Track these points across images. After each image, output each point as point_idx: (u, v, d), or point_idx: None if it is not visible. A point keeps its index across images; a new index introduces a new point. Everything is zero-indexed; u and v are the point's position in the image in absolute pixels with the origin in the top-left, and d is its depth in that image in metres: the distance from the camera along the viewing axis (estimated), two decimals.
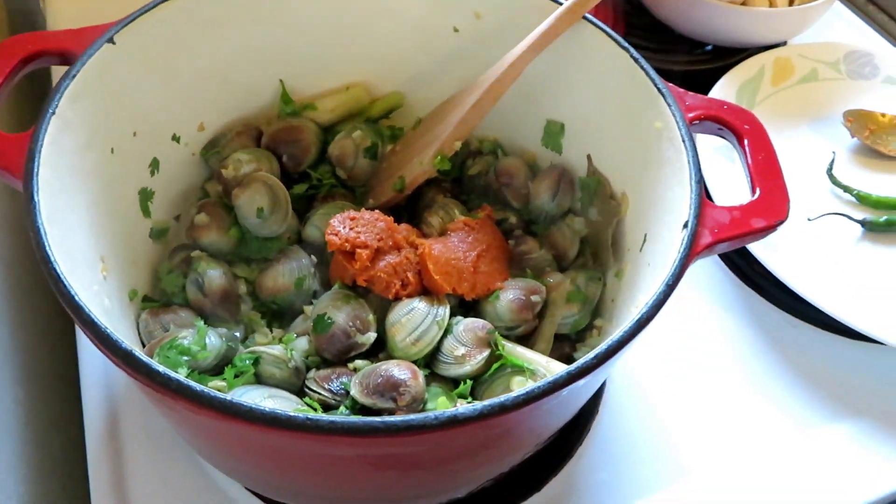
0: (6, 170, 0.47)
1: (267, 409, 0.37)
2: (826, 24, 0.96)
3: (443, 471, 0.46)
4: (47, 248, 0.42)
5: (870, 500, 0.62)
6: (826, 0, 0.87)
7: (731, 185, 0.76)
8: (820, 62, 0.89)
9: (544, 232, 0.66)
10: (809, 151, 0.83)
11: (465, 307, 0.59)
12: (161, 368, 0.38)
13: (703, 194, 0.49)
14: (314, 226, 0.63)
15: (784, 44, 0.93)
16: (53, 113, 0.49)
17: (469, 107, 0.63)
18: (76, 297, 0.41)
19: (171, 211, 0.65)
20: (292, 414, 0.36)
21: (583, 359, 0.40)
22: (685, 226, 0.47)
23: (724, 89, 0.84)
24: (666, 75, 0.59)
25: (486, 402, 0.38)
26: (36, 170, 0.46)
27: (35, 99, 0.93)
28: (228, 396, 0.38)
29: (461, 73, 0.67)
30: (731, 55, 0.92)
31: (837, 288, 0.71)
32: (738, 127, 0.54)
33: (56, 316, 0.80)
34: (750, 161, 0.52)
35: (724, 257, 0.77)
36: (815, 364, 0.70)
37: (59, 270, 0.42)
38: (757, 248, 0.70)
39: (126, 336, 0.52)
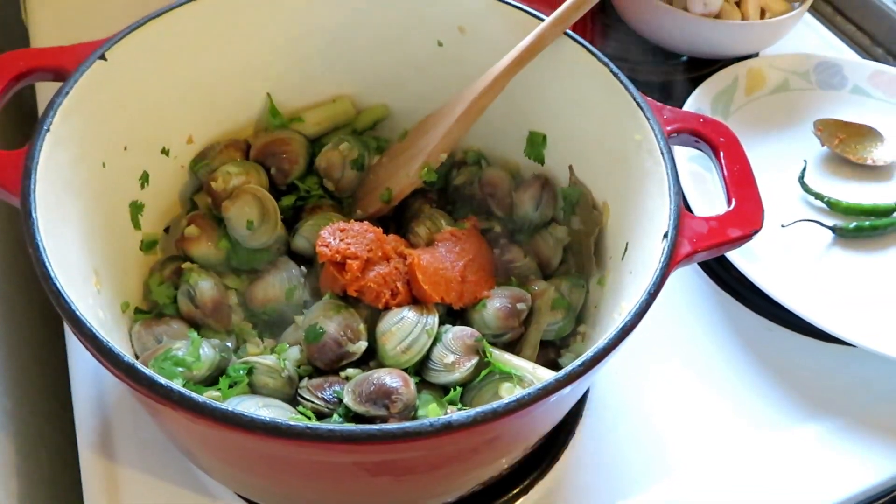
0: (3, 187, 0.48)
1: (268, 418, 0.38)
2: (797, 36, 0.99)
3: (435, 476, 0.48)
4: (47, 264, 0.43)
5: (843, 497, 0.65)
6: (797, 12, 0.90)
7: (707, 194, 0.78)
8: (791, 73, 0.92)
9: (528, 240, 0.67)
10: (782, 160, 0.86)
11: (453, 316, 0.61)
12: (163, 380, 0.39)
13: (682, 205, 0.51)
14: (303, 237, 0.65)
15: (756, 55, 0.95)
16: (48, 130, 0.50)
17: (454, 120, 0.65)
18: (77, 312, 0.42)
19: (161, 223, 0.66)
20: (292, 423, 0.38)
21: (570, 366, 0.42)
22: (665, 236, 0.49)
23: (699, 99, 0.86)
24: (642, 86, 0.61)
25: (479, 409, 0.39)
26: (33, 187, 0.46)
27: (16, 114, 0.93)
28: (229, 407, 0.39)
29: (445, 86, 0.69)
30: (705, 66, 0.95)
31: (810, 292, 0.73)
32: (714, 140, 0.56)
33: (43, 326, 0.81)
34: (726, 173, 0.54)
35: (703, 264, 0.80)
36: (789, 366, 0.72)
37: (59, 286, 0.42)
38: (733, 255, 0.73)
39: (121, 348, 0.53)
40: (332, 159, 0.69)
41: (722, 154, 0.55)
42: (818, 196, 0.82)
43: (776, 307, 0.72)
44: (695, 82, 0.89)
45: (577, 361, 0.42)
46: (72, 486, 0.63)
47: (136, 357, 0.57)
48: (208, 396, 0.50)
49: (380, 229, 0.60)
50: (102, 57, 0.55)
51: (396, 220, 0.70)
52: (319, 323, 0.57)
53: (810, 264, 0.77)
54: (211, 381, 0.55)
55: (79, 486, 0.61)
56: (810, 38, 1.05)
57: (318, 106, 0.72)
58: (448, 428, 0.39)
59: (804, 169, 0.84)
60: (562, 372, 0.42)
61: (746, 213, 0.51)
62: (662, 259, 0.47)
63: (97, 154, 0.57)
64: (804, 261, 0.77)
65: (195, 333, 0.56)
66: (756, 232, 0.51)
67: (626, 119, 0.58)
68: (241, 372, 0.54)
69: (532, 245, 0.67)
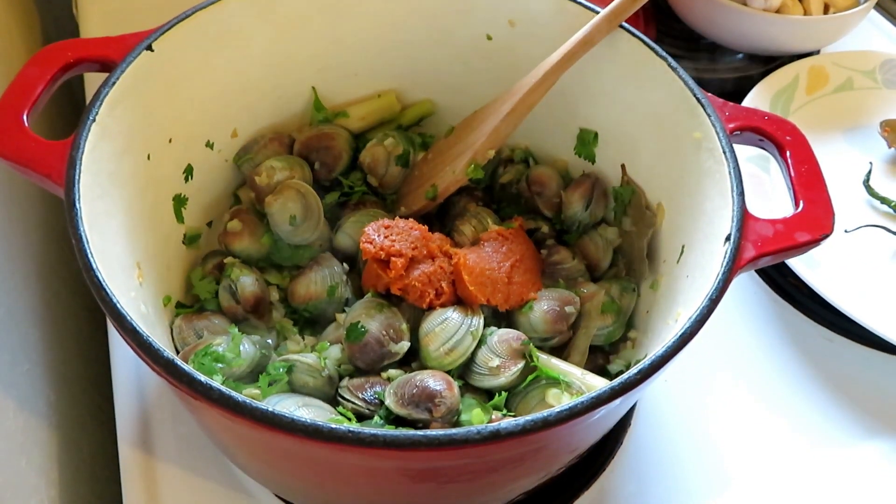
0: (47, 176, 0.47)
1: (309, 420, 0.36)
2: (861, 33, 0.95)
3: (479, 484, 0.46)
4: (90, 255, 0.42)
5: None
6: (862, 8, 0.86)
7: (766, 196, 0.75)
8: (855, 71, 0.88)
9: (576, 242, 0.65)
10: (845, 162, 0.82)
11: (499, 318, 0.59)
12: (202, 378, 0.38)
13: (746, 206, 0.48)
14: (346, 233, 0.63)
15: (818, 52, 0.91)
16: (94, 120, 0.49)
17: (503, 116, 0.63)
18: (118, 305, 0.41)
19: (204, 217, 0.66)
20: (334, 426, 0.36)
21: (626, 374, 0.40)
22: (728, 239, 0.46)
23: (757, 98, 0.83)
24: (697, 83, 0.58)
25: (529, 417, 0.37)
26: (77, 177, 0.46)
27: (68, 104, 0.94)
28: (269, 407, 0.38)
29: (493, 82, 0.67)
30: (763, 63, 0.91)
31: (874, 301, 0.70)
32: (780, 138, 0.53)
33: (87, 319, 0.81)
34: (793, 173, 0.51)
35: (759, 269, 0.76)
36: (851, 379, 0.69)
37: (101, 278, 0.42)
38: (793, 260, 0.69)
39: (161, 343, 0.52)
40: (377, 155, 0.68)
41: (789, 153, 0.52)
42: (884, 200, 0.78)
43: (837, 316, 0.69)
44: (752, 80, 0.86)
45: (634, 370, 0.40)
46: (112, 477, 0.63)
47: (177, 352, 0.56)
48: (247, 394, 0.49)
49: (425, 227, 0.59)
50: (149, 48, 0.55)
51: (441, 217, 0.68)
52: (361, 322, 0.55)
53: (875, 271, 0.73)
54: (251, 378, 0.54)
55: (118, 478, 0.60)
56: (875, 35, 1.00)
57: (363, 101, 0.71)
58: (496, 436, 0.37)
59: (870, 171, 0.80)
60: (617, 381, 0.39)
61: (815, 215, 0.49)
62: (725, 263, 0.45)
63: (142, 146, 0.56)
64: (868, 268, 0.73)
65: (235, 329, 0.55)
66: (826, 236, 0.48)
67: (684, 116, 0.55)
68: (281, 370, 0.53)
69: (581, 246, 0.65)
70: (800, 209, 0.49)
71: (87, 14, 0.94)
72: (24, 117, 0.50)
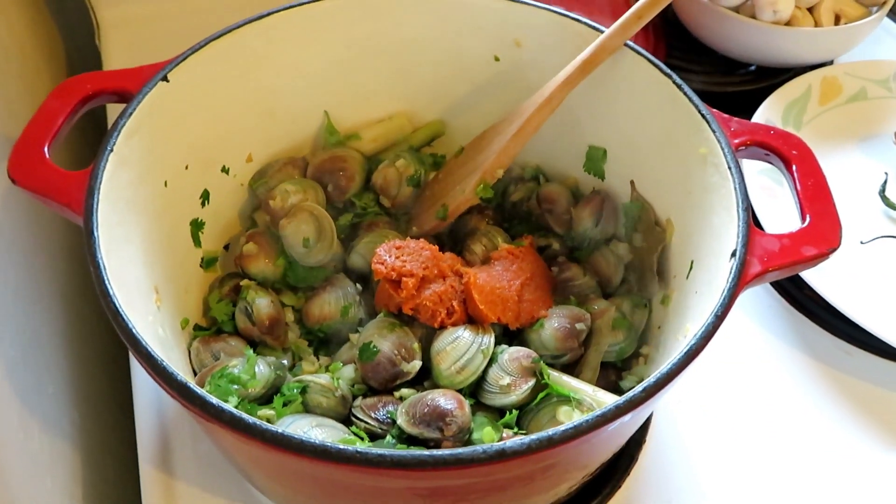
0: (66, 206, 0.49)
1: (318, 441, 0.37)
2: (874, 42, 0.94)
3: (488, 502, 0.46)
4: (107, 282, 0.44)
5: None
6: (874, 17, 0.86)
7: (779, 209, 0.75)
8: (869, 80, 0.88)
9: (587, 258, 0.65)
10: (860, 172, 0.82)
11: (509, 336, 0.59)
12: (214, 401, 0.39)
13: (751, 222, 0.48)
14: (358, 254, 0.64)
15: (830, 62, 0.91)
16: (111, 150, 0.51)
17: (511, 135, 0.64)
18: (134, 330, 0.42)
19: (221, 240, 0.67)
20: (342, 447, 0.37)
21: (631, 391, 0.40)
22: (733, 255, 0.46)
23: (769, 110, 0.83)
24: (708, 97, 0.58)
25: (535, 436, 0.38)
26: (95, 206, 0.48)
27: (93, 133, 0.97)
28: (279, 428, 0.38)
29: (502, 101, 0.68)
30: (774, 75, 0.91)
31: (893, 312, 0.69)
32: (786, 152, 0.53)
33: (111, 341, 0.83)
34: (799, 187, 0.51)
35: (774, 282, 0.76)
36: (871, 392, 0.68)
37: (117, 304, 0.43)
38: (808, 273, 0.69)
39: (179, 365, 0.53)
40: (389, 176, 0.69)
41: (794, 167, 0.52)
42: None
43: (855, 328, 0.68)
44: (764, 92, 0.85)
45: (639, 387, 0.40)
46: (134, 496, 0.64)
47: (195, 374, 0.57)
48: (262, 415, 0.50)
49: (436, 247, 0.59)
50: (165, 78, 0.57)
51: (452, 237, 0.69)
52: (374, 341, 0.56)
53: (892, 282, 0.72)
54: (266, 399, 0.55)
55: (140, 497, 0.62)
56: (888, 43, 1.00)
57: (374, 123, 0.72)
58: (502, 455, 0.37)
59: (885, 182, 0.79)
60: (622, 398, 0.40)
61: (822, 229, 0.48)
62: (730, 279, 0.45)
63: (159, 173, 0.58)
64: (885, 279, 0.73)
65: (251, 351, 0.56)
66: (833, 250, 0.48)
67: (690, 132, 0.56)
68: (295, 390, 0.54)
69: (591, 263, 0.65)
70: (806, 223, 0.49)
71: (109, 43, 0.97)
72: (46, 149, 0.51)
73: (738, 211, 0.49)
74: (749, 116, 0.81)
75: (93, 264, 0.45)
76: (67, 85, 0.55)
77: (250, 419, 0.38)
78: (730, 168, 0.51)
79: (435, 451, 0.37)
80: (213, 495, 0.61)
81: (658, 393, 0.40)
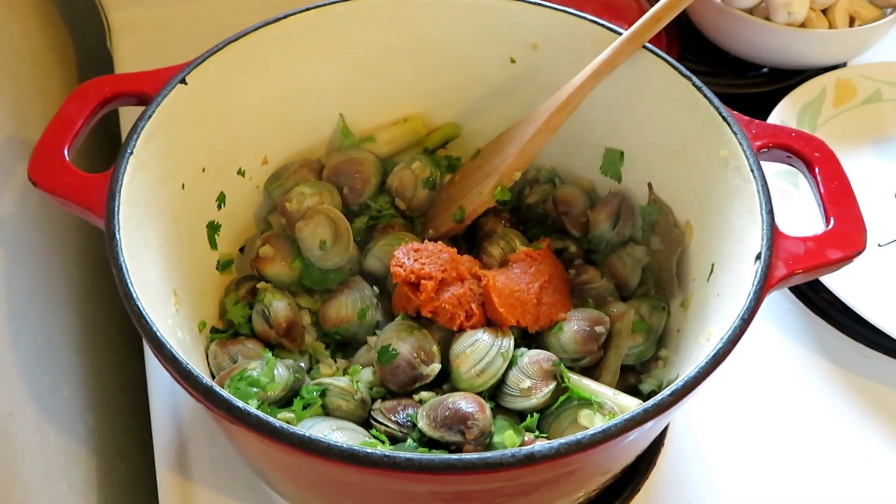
0: (88, 209, 0.49)
1: (345, 445, 0.37)
2: (889, 44, 0.94)
3: None
4: (130, 285, 0.44)
5: None
6: (889, 20, 0.86)
7: (796, 212, 0.74)
8: (884, 82, 0.87)
9: (604, 261, 0.65)
10: (876, 174, 0.81)
11: (528, 339, 0.59)
12: (240, 404, 0.39)
13: (775, 224, 0.48)
14: (375, 257, 0.64)
15: (844, 64, 0.91)
16: (132, 153, 0.51)
17: (528, 138, 0.63)
18: (158, 333, 0.42)
19: (237, 243, 0.67)
20: (370, 451, 0.37)
21: (660, 395, 0.40)
22: (758, 257, 0.46)
23: (783, 112, 0.82)
24: (720, 99, 0.58)
25: (563, 440, 0.37)
26: (117, 209, 0.47)
27: (104, 137, 0.97)
28: (305, 432, 0.38)
29: (518, 104, 0.68)
30: (787, 77, 0.91)
31: None
32: (809, 155, 0.53)
33: (124, 344, 0.83)
34: (822, 190, 0.51)
35: (791, 286, 0.75)
36: (889, 395, 0.67)
37: (141, 307, 0.43)
38: (825, 276, 0.68)
39: (198, 368, 0.53)
40: (404, 178, 0.69)
41: (817, 170, 0.52)
42: None
43: (873, 332, 0.68)
44: (777, 95, 0.85)
45: (667, 391, 0.40)
46: (149, 500, 0.63)
47: (213, 376, 0.57)
48: (282, 418, 0.50)
49: (454, 250, 0.59)
50: (183, 81, 0.57)
51: (468, 239, 0.69)
52: (392, 344, 0.56)
53: None
54: (285, 402, 0.55)
55: (156, 501, 0.61)
56: None
57: (389, 125, 0.72)
58: (531, 459, 0.37)
59: None
60: (651, 402, 0.39)
61: (847, 232, 0.48)
62: (756, 282, 0.45)
63: (177, 176, 0.58)
64: None
65: (270, 354, 0.56)
66: (858, 253, 0.47)
67: (710, 134, 0.55)
68: (315, 393, 0.54)
69: (609, 265, 0.65)
70: (830, 226, 0.49)
71: (121, 46, 0.97)
72: (66, 151, 0.51)
73: (761, 213, 0.48)
74: (762, 119, 0.80)
75: (115, 267, 0.45)
76: (86, 88, 0.55)
77: (276, 422, 0.38)
78: (752, 171, 0.51)
79: (464, 455, 0.37)
80: (230, 498, 0.61)
81: (686, 396, 0.40)
